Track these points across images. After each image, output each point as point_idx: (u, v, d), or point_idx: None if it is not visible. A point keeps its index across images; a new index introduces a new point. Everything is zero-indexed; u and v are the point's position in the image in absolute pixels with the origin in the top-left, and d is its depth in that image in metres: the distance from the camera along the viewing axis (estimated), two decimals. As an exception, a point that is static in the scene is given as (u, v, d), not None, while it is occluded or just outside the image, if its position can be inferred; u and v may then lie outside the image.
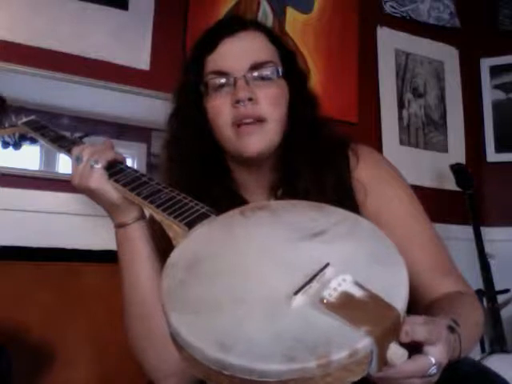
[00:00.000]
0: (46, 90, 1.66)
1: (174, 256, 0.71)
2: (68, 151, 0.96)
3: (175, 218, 0.78)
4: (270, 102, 0.93)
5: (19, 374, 1.22)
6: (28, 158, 1.70)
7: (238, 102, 0.90)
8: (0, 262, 1.49)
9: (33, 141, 1.20)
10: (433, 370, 0.59)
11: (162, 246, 0.87)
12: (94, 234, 1.51)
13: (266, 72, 0.93)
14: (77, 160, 0.89)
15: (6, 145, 1.19)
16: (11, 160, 1.62)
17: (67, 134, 1.05)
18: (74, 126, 1.68)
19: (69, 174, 0.92)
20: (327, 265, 0.61)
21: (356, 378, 0.54)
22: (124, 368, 1.42)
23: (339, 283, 0.59)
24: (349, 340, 0.53)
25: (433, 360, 0.59)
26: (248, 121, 0.91)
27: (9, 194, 1.58)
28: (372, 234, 0.68)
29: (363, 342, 0.53)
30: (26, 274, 1.52)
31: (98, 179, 0.87)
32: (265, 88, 0.93)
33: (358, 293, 0.57)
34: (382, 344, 0.54)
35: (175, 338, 0.59)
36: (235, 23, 0.98)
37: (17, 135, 1.20)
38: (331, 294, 0.58)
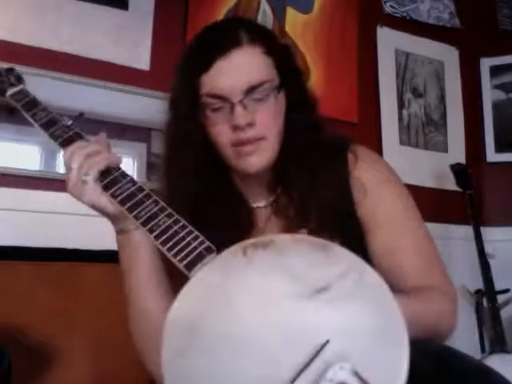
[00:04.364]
0: (45, 91, 1.66)
1: (174, 314, 0.70)
2: (61, 145, 0.90)
3: (174, 255, 0.76)
4: (268, 122, 0.92)
5: (19, 374, 1.21)
6: (28, 158, 1.71)
7: (236, 127, 0.89)
8: (0, 261, 1.49)
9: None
10: None
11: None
12: (94, 234, 1.51)
13: (263, 93, 0.91)
14: (66, 169, 0.86)
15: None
16: (11, 160, 1.62)
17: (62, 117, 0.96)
18: (74, 126, 1.68)
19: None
20: (327, 342, 0.60)
21: None
22: (124, 368, 1.43)
23: (336, 372, 0.57)
24: None
25: None
26: (247, 142, 0.91)
27: (9, 194, 1.58)
28: (377, 292, 0.65)
29: None
30: (26, 273, 1.52)
31: (91, 194, 0.84)
32: (263, 109, 0.91)
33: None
34: None
35: None
36: (227, 41, 0.91)
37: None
38: None
